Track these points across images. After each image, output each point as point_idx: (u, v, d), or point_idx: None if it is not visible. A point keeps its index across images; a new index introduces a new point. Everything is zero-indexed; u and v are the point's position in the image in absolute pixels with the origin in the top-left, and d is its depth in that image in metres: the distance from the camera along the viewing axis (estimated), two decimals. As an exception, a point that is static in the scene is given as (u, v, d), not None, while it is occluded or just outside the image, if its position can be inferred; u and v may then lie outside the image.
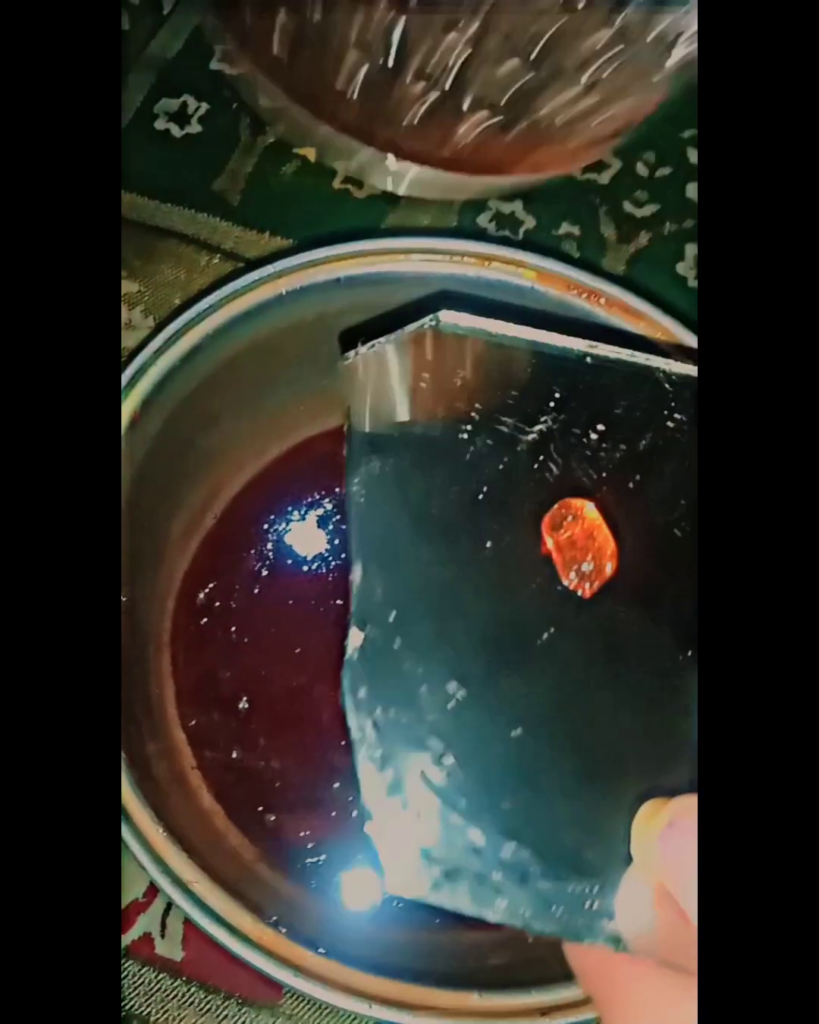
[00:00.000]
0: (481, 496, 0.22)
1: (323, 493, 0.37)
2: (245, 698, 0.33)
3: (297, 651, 0.33)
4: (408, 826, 0.19)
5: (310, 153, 0.42)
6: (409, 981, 0.25)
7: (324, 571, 0.35)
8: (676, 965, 0.17)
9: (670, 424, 0.23)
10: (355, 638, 0.20)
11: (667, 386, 0.23)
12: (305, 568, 0.35)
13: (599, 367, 0.23)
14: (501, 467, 0.22)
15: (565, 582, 0.22)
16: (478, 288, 0.31)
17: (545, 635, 0.21)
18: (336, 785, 0.32)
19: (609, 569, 0.22)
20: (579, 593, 0.22)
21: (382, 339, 0.23)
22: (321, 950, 0.26)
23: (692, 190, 0.43)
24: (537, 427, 0.22)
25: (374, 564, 0.21)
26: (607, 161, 0.43)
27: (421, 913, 0.29)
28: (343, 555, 0.35)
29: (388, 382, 0.22)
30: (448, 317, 0.22)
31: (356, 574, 0.21)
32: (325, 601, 0.34)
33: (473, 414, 0.22)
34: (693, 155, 0.43)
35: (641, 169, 0.43)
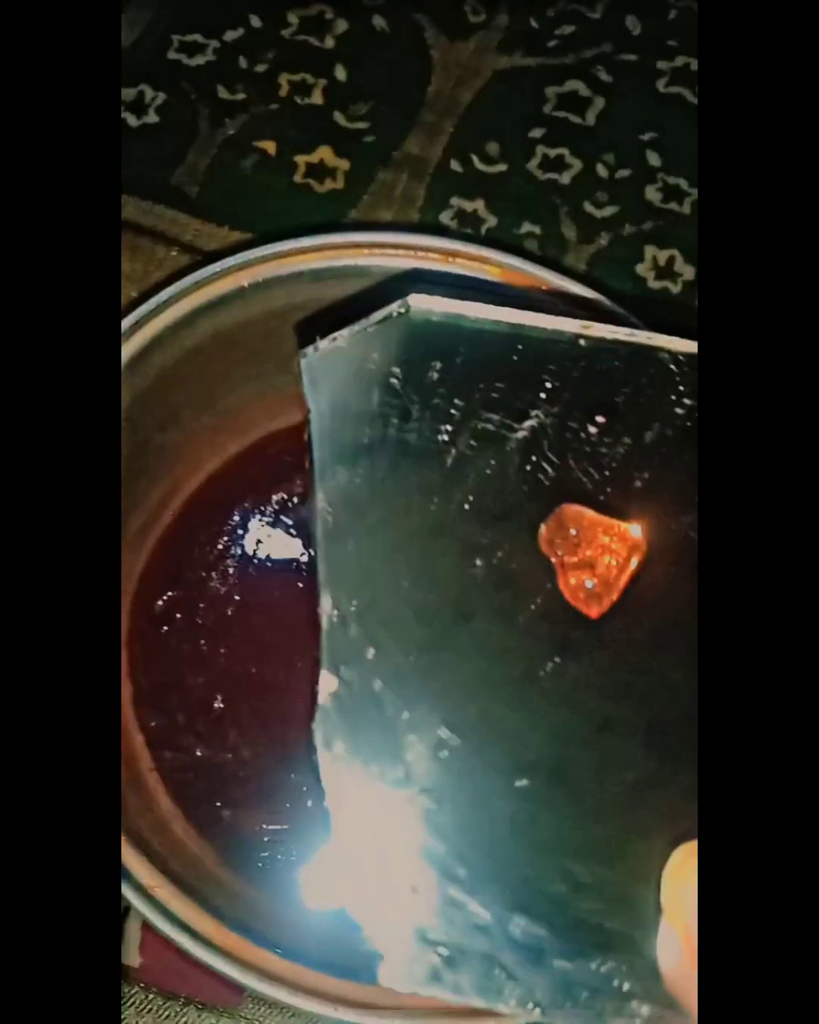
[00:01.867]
0: (467, 506, 0.19)
1: (284, 491, 0.36)
2: (218, 696, 0.32)
3: (259, 647, 0.33)
4: (401, 904, 0.17)
5: (270, 146, 0.42)
6: (374, 982, 0.24)
7: (285, 568, 0.34)
8: None
9: (679, 411, 0.19)
10: (327, 683, 0.17)
11: (673, 368, 0.19)
12: (266, 566, 0.34)
13: (594, 350, 0.19)
14: (488, 471, 0.19)
15: (569, 602, 0.19)
16: (443, 285, 0.30)
17: (549, 666, 0.18)
18: (293, 776, 0.32)
19: (620, 584, 0.19)
20: (586, 614, 0.19)
21: (345, 331, 0.20)
22: (284, 952, 0.25)
23: (652, 192, 0.43)
24: (527, 423, 0.19)
25: (346, 594, 0.18)
26: (568, 161, 0.43)
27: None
28: (301, 553, 0.34)
29: (354, 380, 0.19)
30: (419, 302, 0.19)
31: (325, 606, 0.18)
32: (287, 597, 0.34)
33: (453, 412, 0.19)
34: (653, 158, 0.43)
35: (601, 170, 0.43)
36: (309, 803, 0.31)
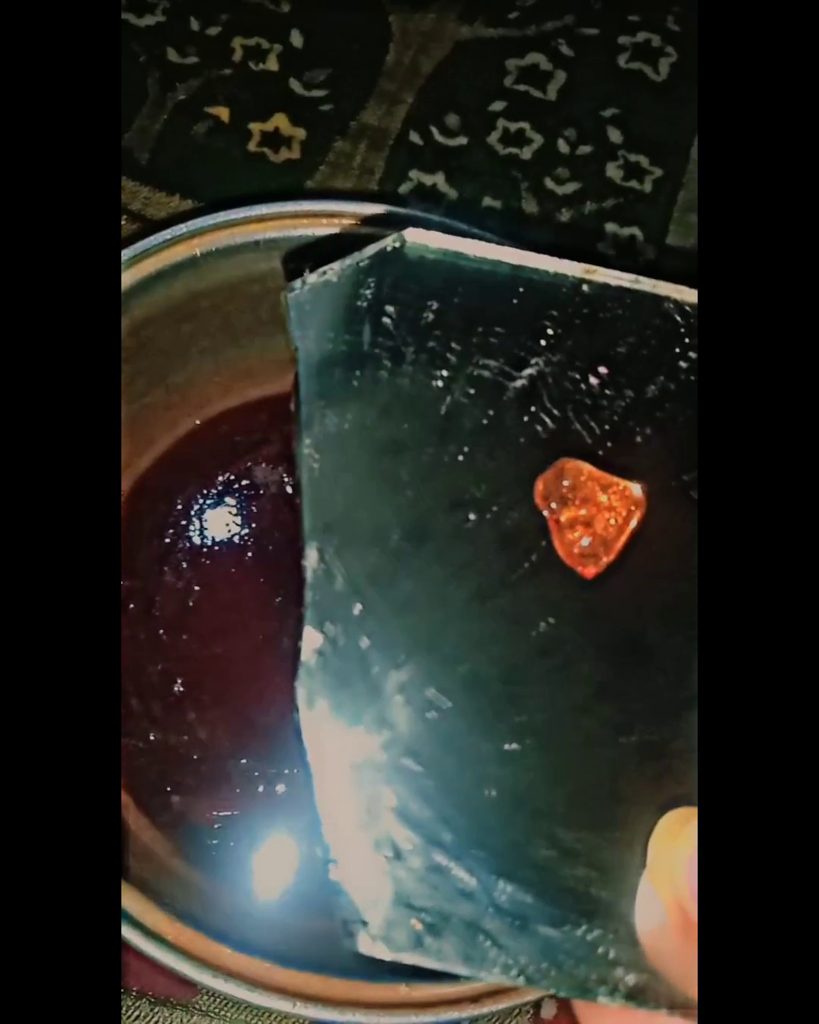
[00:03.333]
0: (461, 457, 0.18)
1: (238, 470, 0.35)
2: (177, 680, 0.31)
3: (221, 630, 0.32)
4: (382, 869, 0.16)
5: (223, 113, 0.40)
6: (334, 974, 0.24)
7: (240, 550, 0.33)
8: (690, 1006, 0.15)
9: (683, 364, 0.18)
10: (311, 639, 0.17)
11: (678, 319, 0.18)
12: (220, 547, 0.33)
13: (598, 297, 0.18)
14: (485, 422, 0.18)
15: (564, 560, 0.18)
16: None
17: (541, 626, 0.17)
18: (247, 760, 0.31)
19: (618, 544, 0.18)
20: (582, 574, 0.18)
21: (336, 264, 0.18)
22: (239, 946, 0.24)
23: (613, 169, 0.42)
24: (526, 371, 0.18)
25: (332, 546, 0.17)
26: (529, 136, 0.42)
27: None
28: (253, 533, 0.33)
29: (344, 318, 0.18)
30: (415, 236, 0.18)
31: (310, 559, 0.17)
32: (242, 580, 0.33)
33: (449, 356, 0.18)
34: (614, 135, 0.43)
35: (562, 146, 0.43)
36: (261, 788, 0.31)
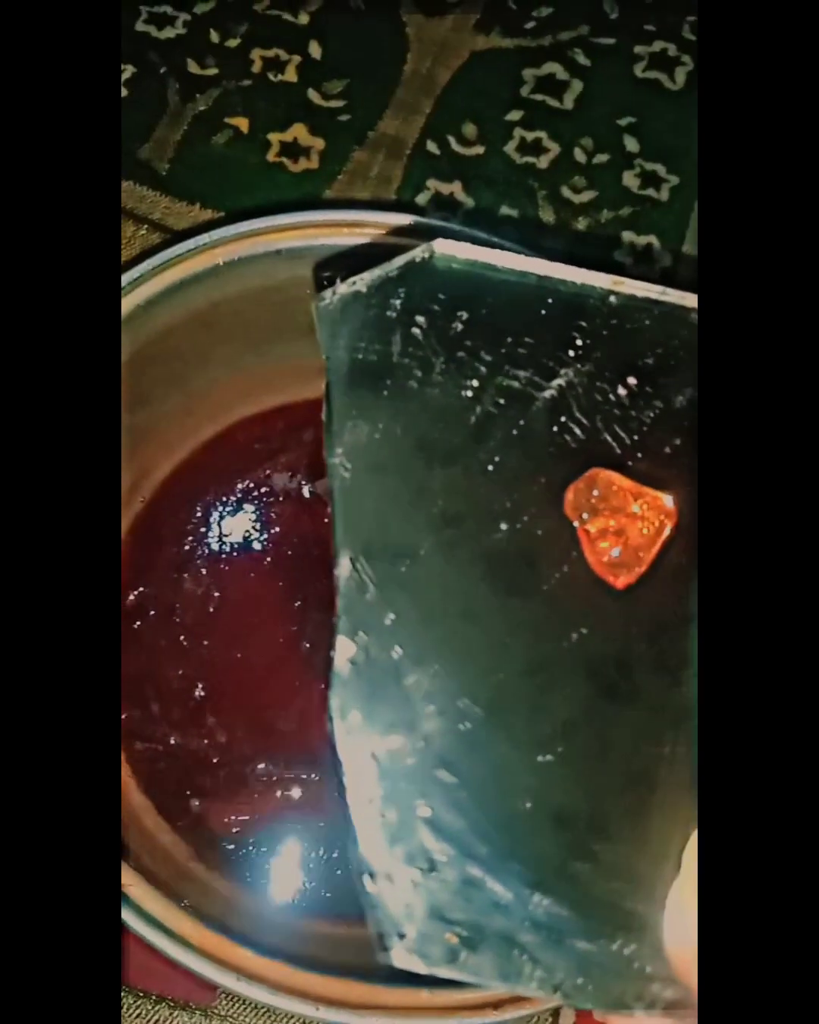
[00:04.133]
0: (491, 467, 0.18)
1: (257, 477, 0.35)
2: (198, 685, 0.31)
3: (242, 636, 0.32)
4: (416, 882, 0.16)
5: (242, 123, 0.41)
6: (356, 979, 0.24)
7: (260, 556, 0.33)
8: None
9: None
10: (344, 649, 0.16)
11: None
12: (239, 553, 0.33)
13: (625, 308, 0.18)
14: (514, 432, 0.18)
15: (595, 571, 0.18)
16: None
17: (574, 637, 0.17)
18: (265, 764, 0.31)
19: (649, 555, 0.18)
20: (613, 585, 0.18)
21: (365, 275, 0.18)
22: (262, 950, 0.24)
23: (629, 178, 0.43)
24: (555, 381, 0.18)
25: (364, 555, 0.17)
26: (546, 145, 0.43)
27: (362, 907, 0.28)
28: (272, 539, 0.34)
29: (374, 328, 0.18)
30: (444, 247, 0.18)
31: (342, 568, 0.17)
32: (261, 585, 0.33)
33: (479, 366, 0.18)
34: (630, 143, 0.43)
35: (579, 155, 0.43)
36: (279, 793, 0.31)
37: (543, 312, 0.18)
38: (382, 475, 0.18)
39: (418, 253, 0.18)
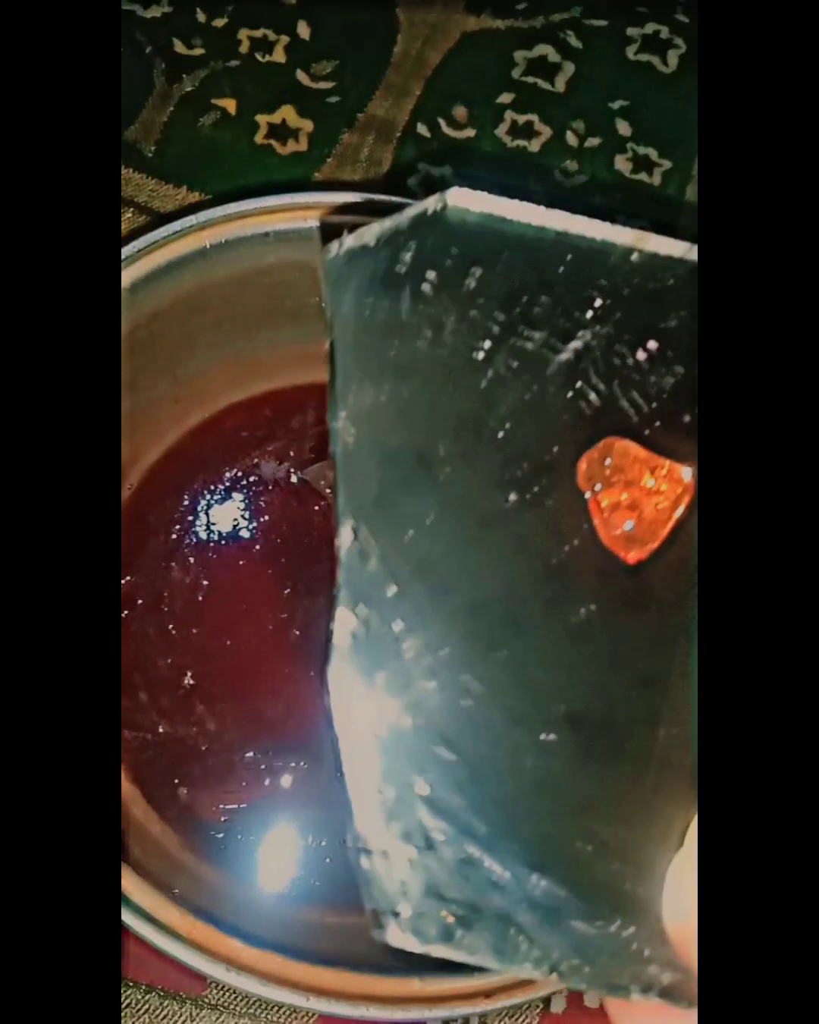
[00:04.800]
0: (502, 434, 0.17)
1: (245, 464, 0.35)
2: (187, 673, 0.31)
3: (232, 623, 0.32)
4: (413, 860, 0.15)
5: (230, 104, 0.40)
6: (347, 969, 0.24)
7: (248, 543, 0.33)
8: None
9: None
10: (345, 621, 0.16)
11: None
12: (227, 541, 0.33)
13: (648, 267, 0.17)
14: (527, 397, 0.17)
15: (607, 545, 0.17)
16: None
17: (583, 612, 0.17)
18: (253, 754, 0.31)
19: (664, 530, 0.17)
20: (624, 559, 0.17)
21: (374, 227, 0.17)
22: (251, 940, 0.24)
23: (621, 162, 0.42)
24: (572, 344, 0.17)
25: (367, 524, 0.16)
26: (537, 128, 0.42)
27: (355, 896, 0.28)
28: (260, 527, 0.33)
29: (382, 284, 0.17)
30: (458, 198, 0.17)
31: (344, 537, 0.16)
32: (250, 573, 0.33)
33: (492, 326, 0.17)
34: (622, 127, 0.43)
35: (571, 139, 0.42)
36: (268, 781, 0.31)
37: (561, 270, 0.17)
38: (387, 440, 0.17)
39: (431, 204, 0.17)
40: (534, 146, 0.42)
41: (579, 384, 0.17)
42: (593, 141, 0.42)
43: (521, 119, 0.42)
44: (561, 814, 0.16)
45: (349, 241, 0.17)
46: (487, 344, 0.17)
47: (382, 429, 0.17)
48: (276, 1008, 0.31)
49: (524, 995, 0.23)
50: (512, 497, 0.17)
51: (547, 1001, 0.31)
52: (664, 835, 0.16)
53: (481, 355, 0.17)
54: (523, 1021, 0.31)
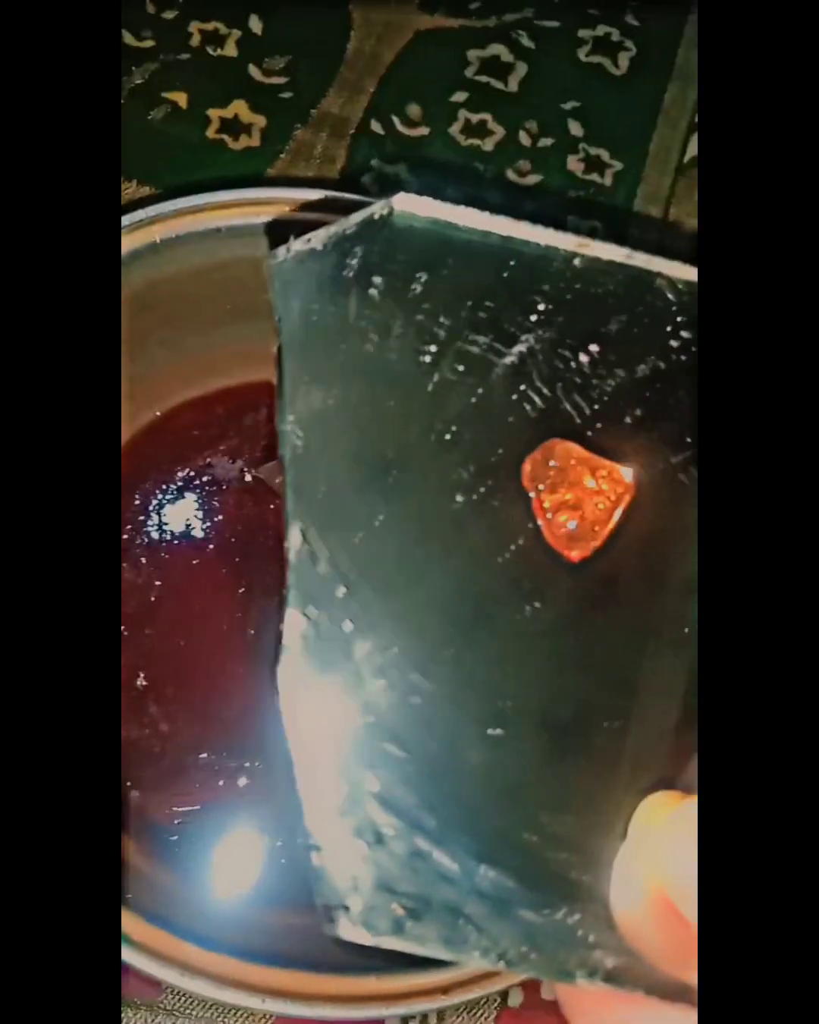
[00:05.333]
0: (448, 436, 0.17)
1: (198, 463, 0.34)
2: (140, 674, 0.30)
3: (185, 624, 0.31)
4: (363, 855, 0.16)
5: (180, 98, 0.39)
6: (303, 969, 0.24)
7: (202, 543, 0.33)
8: (668, 988, 0.15)
9: (674, 343, 0.18)
10: (294, 622, 0.16)
11: (671, 296, 0.18)
12: (180, 540, 0.33)
13: (590, 271, 0.18)
14: (473, 400, 0.17)
15: (551, 544, 0.17)
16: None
17: (528, 610, 0.17)
18: (207, 754, 0.30)
19: (605, 529, 0.18)
20: (568, 556, 0.17)
21: (321, 232, 0.18)
22: (204, 943, 0.24)
23: (574, 162, 0.43)
24: (517, 348, 0.18)
25: (316, 526, 0.16)
26: (491, 127, 0.42)
27: (311, 896, 0.28)
28: (214, 526, 0.33)
29: (329, 288, 0.17)
30: (404, 203, 0.18)
31: (293, 540, 0.16)
32: (204, 573, 0.32)
33: (438, 331, 0.17)
34: (575, 127, 0.43)
35: (524, 138, 0.43)
36: (222, 782, 0.30)
37: (505, 275, 0.18)
38: (336, 443, 0.17)
39: (377, 209, 0.18)
40: (487, 145, 0.42)
41: (523, 387, 0.18)
42: (546, 141, 0.43)
43: (475, 118, 0.42)
44: (509, 806, 0.17)
45: (296, 246, 0.18)
46: (433, 348, 0.18)
47: (331, 432, 0.17)
48: (233, 1012, 0.30)
49: (481, 990, 0.23)
50: (459, 498, 0.17)
51: (505, 996, 0.31)
52: (609, 824, 0.16)
53: (427, 359, 0.18)
54: (481, 1016, 0.31)
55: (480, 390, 0.18)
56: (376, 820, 0.16)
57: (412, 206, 0.18)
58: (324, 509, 0.17)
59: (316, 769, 0.16)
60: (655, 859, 0.16)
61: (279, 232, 0.27)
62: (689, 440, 0.18)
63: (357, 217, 0.18)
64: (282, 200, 0.28)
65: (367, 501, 0.17)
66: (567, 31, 0.44)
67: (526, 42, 0.44)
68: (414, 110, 0.42)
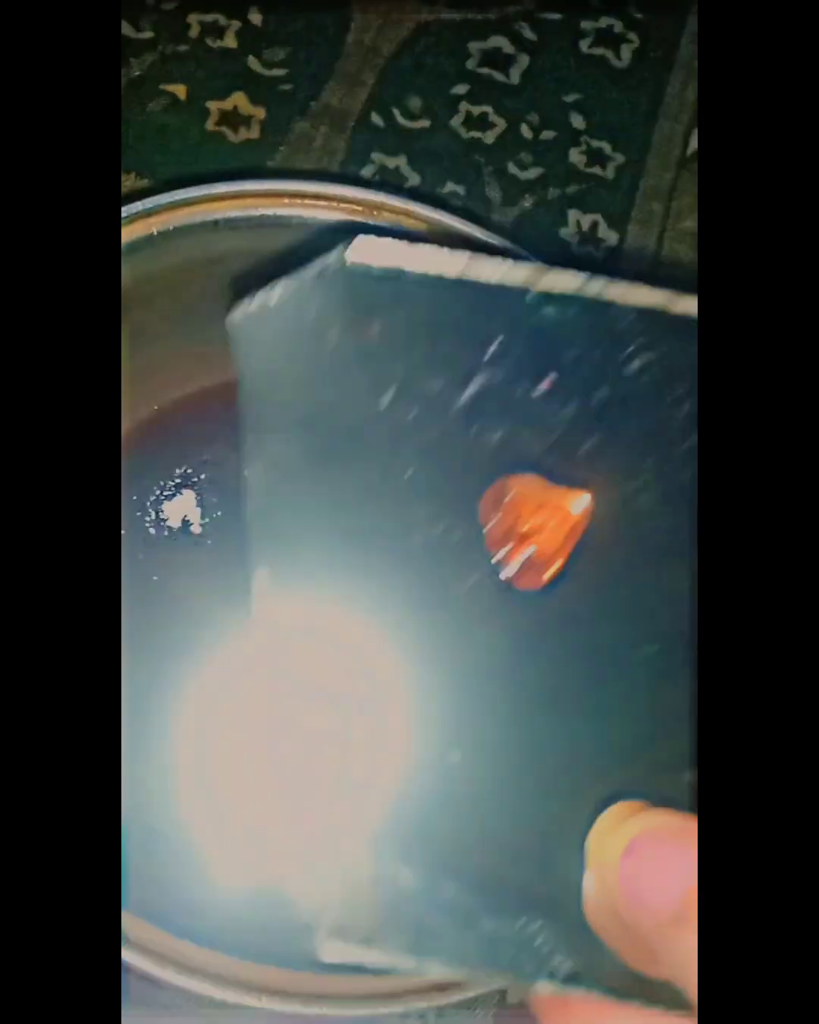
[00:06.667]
0: (407, 477, 0.18)
1: (195, 459, 0.34)
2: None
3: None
4: (331, 876, 0.17)
5: (180, 90, 0.39)
6: (299, 968, 0.24)
7: (199, 537, 0.33)
8: (628, 987, 0.16)
9: (629, 370, 0.18)
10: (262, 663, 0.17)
11: (624, 323, 0.18)
12: (177, 536, 0.33)
13: (544, 303, 0.18)
14: (431, 439, 0.18)
15: (510, 574, 0.18)
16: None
17: (488, 640, 0.18)
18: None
19: (562, 556, 0.18)
20: (524, 587, 0.18)
21: (277, 287, 0.18)
22: (202, 942, 0.24)
23: (575, 155, 0.42)
24: (472, 386, 0.18)
25: (281, 571, 0.17)
26: (492, 120, 0.42)
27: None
28: (211, 523, 0.33)
29: (289, 341, 0.18)
30: (358, 253, 0.18)
31: (259, 583, 0.17)
32: (200, 570, 0.32)
33: (395, 374, 0.18)
34: (577, 120, 0.43)
35: (525, 131, 0.42)
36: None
37: (459, 313, 0.18)
38: (298, 492, 0.18)
39: (330, 260, 0.18)
40: (488, 138, 0.42)
41: (480, 423, 0.18)
42: (547, 134, 0.42)
43: (476, 111, 0.42)
44: (469, 825, 0.17)
45: (254, 303, 0.18)
46: (391, 392, 0.18)
47: (293, 482, 0.18)
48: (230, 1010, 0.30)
49: (477, 988, 0.23)
50: (419, 538, 0.18)
51: (503, 993, 0.31)
52: (567, 837, 0.17)
53: (385, 403, 0.18)
54: (479, 1014, 0.31)
55: (437, 429, 0.18)
56: (342, 843, 0.17)
57: (364, 253, 0.18)
58: (287, 554, 0.17)
59: (284, 795, 0.17)
60: (607, 870, 0.16)
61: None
62: (647, 466, 0.18)
63: (312, 269, 0.18)
64: (278, 192, 0.28)
65: (328, 548, 0.18)
66: (569, 23, 0.44)
67: (528, 34, 0.43)
68: (414, 102, 0.42)
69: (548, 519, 0.18)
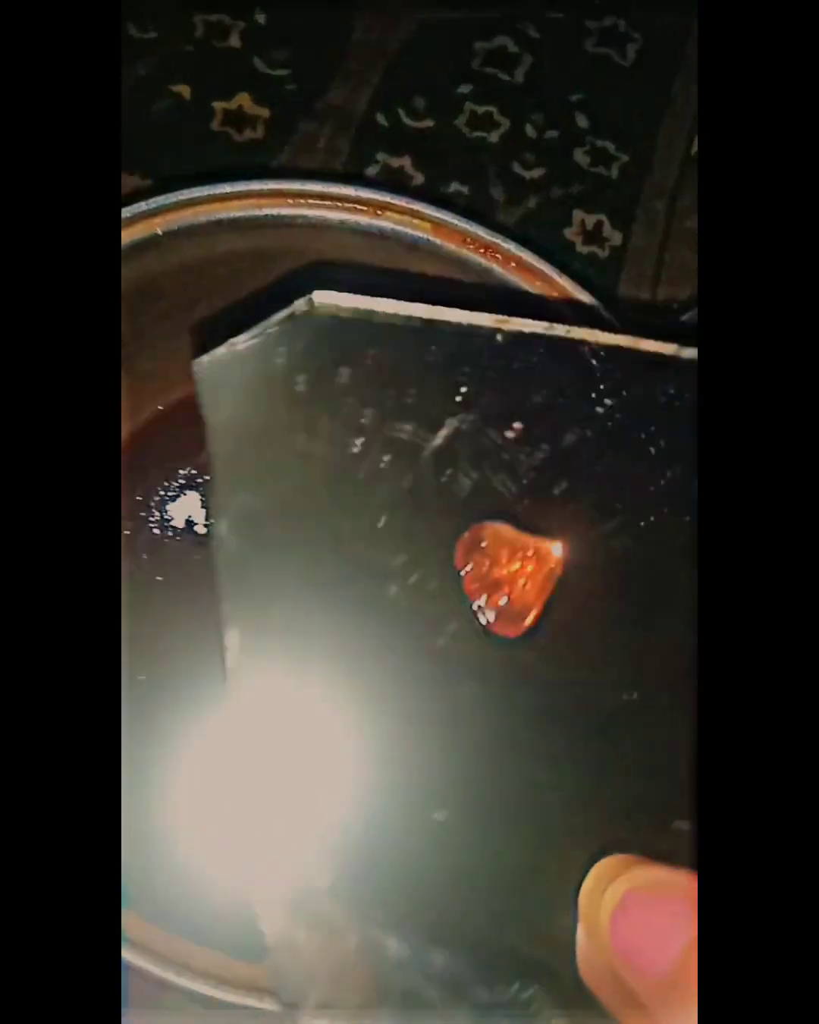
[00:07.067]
0: (379, 526, 0.18)
1: (201, 459, 0.34)
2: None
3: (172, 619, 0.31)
4: (318, 947, 0.16)
5: (184, 90, 0.39)
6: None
7: (203, 538, 0.33)
8: None
9: (599, 410, 0.18)
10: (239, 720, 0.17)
11: (594, 362, 0.18)
12: (182, 536, 0.33)
13: (512, 347, 0.18)
14: (403, 486, 0.18)
15: (486, 623, 0.18)
16: (371, 238, 0.29)
17: (466, 691, 0.17)
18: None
19: (538, 604, 0.18)
20: (503, 635, 0.18)
21: (244, 335, 0.18)
22: (203, 942, 0.24)
23: (580, 155, 0.42)
24: (443, 432, 0.18)
25: (252, 630, 0.17)
26: (496, 119, 0.42)
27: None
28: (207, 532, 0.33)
29: (256, 389, 0.17)
30: (324, 298, 0.17)
31: (231, 642, 0.16)
32: (204, 570, 0.32)
33: (364, 421, 0.18)
34: (581, 120, 0.42)
35: (530, 131, 0.42)
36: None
37: (427, 359, 0.18)
38: (268, 544, 0.17)
39: (298, 306, 0.17)
40: (493, 137, 0.42)
41: (451, 470, 0.18)
42: (552, 133, 0.42)
43: (480, 110, 0.42)
44: (456, 890, 0.17)
45: (221, 350, 0.18)
46: (360, 440, 0.18)
47: (263, 534, 0.17)
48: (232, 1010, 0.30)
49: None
50: (394, 588, 0.17)
51: None
52: (555, 897, 0.17)
53: (355, 450, 0.18)
54: None
55: (408, 477, 0.18)
56: (328, 913, 0.16)
57: (331, 300, 0.18)
58: (259, 611, 0.17)
59: (266, 867, 0.16)
60: (600, 937, 0.16)
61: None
62: (620, 508, 0.18)
63: (278, 316, 0.18)
64: (283, 192, 0.28)
65: (302, 600, 0.17)
66: (573, 22, 0.44)
67: (532, 33, 0.43)
68: (419, 102, 0.42)
69: (524, 565, 0.18)
